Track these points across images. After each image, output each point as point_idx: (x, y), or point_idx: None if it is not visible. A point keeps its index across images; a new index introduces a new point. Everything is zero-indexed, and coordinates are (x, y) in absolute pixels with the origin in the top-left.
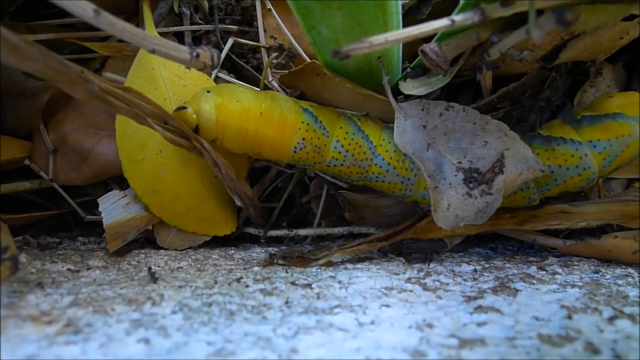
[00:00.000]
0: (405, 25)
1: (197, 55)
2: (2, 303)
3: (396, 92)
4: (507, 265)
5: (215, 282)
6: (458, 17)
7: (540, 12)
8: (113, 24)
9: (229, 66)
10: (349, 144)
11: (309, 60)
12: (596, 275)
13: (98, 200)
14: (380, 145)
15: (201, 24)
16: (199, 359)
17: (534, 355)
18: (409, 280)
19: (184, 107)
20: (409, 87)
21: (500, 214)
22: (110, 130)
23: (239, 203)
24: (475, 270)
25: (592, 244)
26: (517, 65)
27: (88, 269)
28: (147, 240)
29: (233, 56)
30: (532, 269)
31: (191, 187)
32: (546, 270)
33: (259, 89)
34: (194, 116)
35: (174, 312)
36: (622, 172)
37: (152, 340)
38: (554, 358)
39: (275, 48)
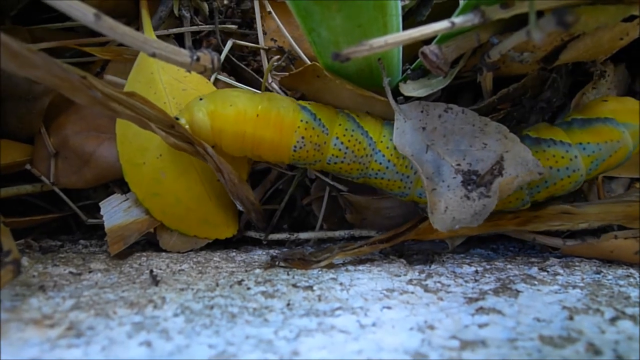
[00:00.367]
0: (405, 27)
1: (198, 59)
2: (5, 306)
3: (396, 93)
4: (509, 266)
5: (217, 285)
6: (458, 20)
7: (540, 14)
8: (113, 28)
9: (229, 69)
10: (349, 141)
11: (309, 62)
12: (597, 276)
13: (100, 204)
14: (381, 142)
15: (201, 25)
16: None
17: (535, 357)
18: (410, 281)
19: (177, 119)
20: (409, 89)
21: (502, 214)
22: (112, 133)
23: (241, 208)
24: (476, 271)
25: (593, 245)
26: (518, 66)
27: (90, 272)
28: (148, 242)
29: (233, 59)
30: (534, 270)
31: (192, 191)
32: (547, 271)
33: (255, 91)
34: (187, 127)
35: (175, 315)
36: (622, 171)
37: (154, 343)
38: (555, 359)
39: (275, 50)
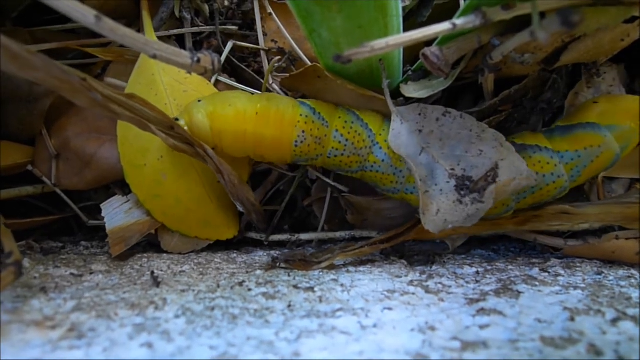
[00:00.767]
0: (405, 28)
1: (198, 60)
2: (6, 308)
3: (397, 94)
4: (510, 267)
5: (218, 286)
6: (460, 21)
7: (541, 15)
8: (114, 29)
9: (230, 70)
10: (349, 133)
11: (310, 63)
12: (599, 276)
13: (101, 205)
14: (380, 135)
15: (202, 26)
16: None
17: (536, 357)
18: (411, 282)
19: (177, 119)
20: (410, 90)
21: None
22: (113, 135)
23: (241, 209)
24: (477, 272)
25: (595, 246)
26: (519, 67)
27: (91, 273)
28: (149, 244)
29: (234, 60)
30: (535, 271)
31: (192, 192)
32: (549, 272)
33: (254, 92)
34: (186, 128)
35: (176, 317)
36: (623, 172)
37: (155, 344)
38: None
39: (276, 51)
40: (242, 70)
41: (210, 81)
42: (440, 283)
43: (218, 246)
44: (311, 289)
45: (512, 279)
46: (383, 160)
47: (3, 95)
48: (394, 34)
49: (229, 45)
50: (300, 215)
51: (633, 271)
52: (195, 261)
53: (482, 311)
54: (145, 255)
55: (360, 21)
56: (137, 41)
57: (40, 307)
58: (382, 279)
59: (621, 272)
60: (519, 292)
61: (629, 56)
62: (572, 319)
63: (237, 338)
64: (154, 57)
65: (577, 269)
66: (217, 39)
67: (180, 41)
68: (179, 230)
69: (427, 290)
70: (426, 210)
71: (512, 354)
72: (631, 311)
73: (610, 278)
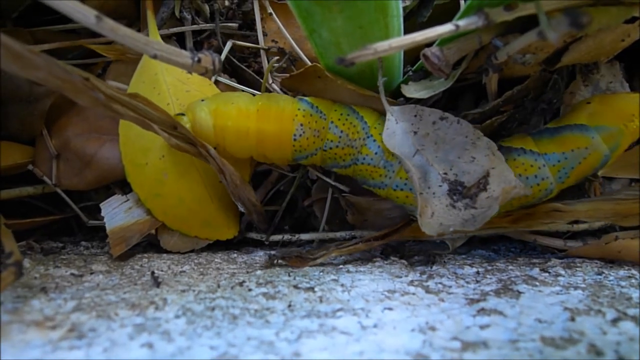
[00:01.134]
0: (406, 28)
1: (199, 60)
2: (6, 308)
3: (398, 94)
4: (510, 267)
5: (218, 286)
6: (462, 22)
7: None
8: (115, 29)
9: (231, 71)
10: (344, 124)
11: (310, 63)
12: (599, 276)
13: (100, 205)
14: (375, 128)
15: (202, 25)
16: None
17: (536, 358)
18: (411, 283)
19: (181, 114)
20: (410, 90)
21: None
22: (113, 135)
23: (242, 209)
24: (477, 272)
25: (601, 246)
26: (519, 68)
27: (91, 273)
28: (149, 244)
29: (234, 60)
30: (535, 271)
31: (194, 192)
32: (549, 272)
33: (255, 93)
34: (188, 125)
35: (177, 317)
36: (622, 172)
37: (156, 344)
38: None
39: (276, 51)
40: (243, 71)
41: (211, 81)
42: (440, 283)
43: (218, 246)
44: (311, 289)
45: (513, 279)
46: (376, 153)
47: (3, 96)
48: (395, 35)
49: (229, 44)
50: (300, 215)
51: (633, 271)
52: (196, 261)
53: (482, 311)
54: (146, 255)
55: (361, 21)
56: (137, 41)
57: (40, 307)
58: (382, 279)
59: (622, 272)
60: (519, 292)
61: (630, 56)
62: (573, 319)
63: (237, 338)
64: (155, 57)
65: (578, 269)
66: (217, 39)
67: (180, 42)
68: (180, 229)
69: (428, 290)
70: (422, 213)
71: (513, 354)
72: (631, 311)
73: (611, 278)
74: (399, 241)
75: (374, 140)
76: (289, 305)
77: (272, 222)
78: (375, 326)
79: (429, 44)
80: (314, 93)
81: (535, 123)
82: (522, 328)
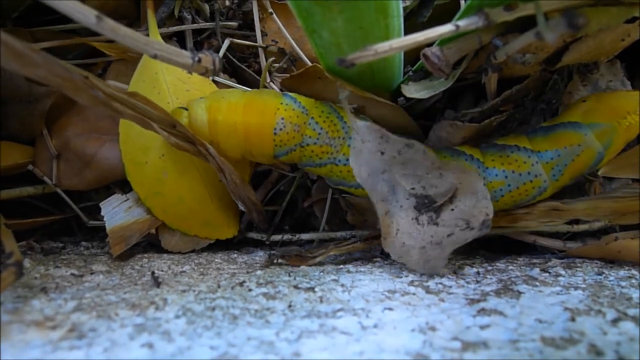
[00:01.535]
0: (406, 28)
1: (199, 60)
2: (6, 308)
3: (398, 95)
4: (510, 267)
5: (219, 286)
6: (462, 22)
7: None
8: (115, 29)
9: (231, 71)
10: (324, 122)
11: (310, 63)
12: (599, 277)
13: (100, 204)
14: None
15: (202, 23)
16: None
17: (536, 358)
18: (411, 283)
19: (184, 108)
20: (411, 90)
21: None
22: (113, 134)
23: (242, 208)
24: (478, 272)
25: (601, 246)
26: (520, 68)
27: (91, 273)
28: (150, 244)
29: (234, 60)
30: (535, 271)
31: (193, 191)
32: (549, 272)
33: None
34: (185, 119)
35: (177, 317)
36: (622, 171)
37: (156, 344)
38: None
39: (276, 51)
40: (243, 71)
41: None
42: (440, 283)
43: (218, 246)
44: (312, 289)
45: (513, 279)
46: None
47: (3, 96)
48: (395, 35)
49: (226, 42)
50: (300, 215)
51: (634, 271)
52: (196, 261)
53: (482, 311)
54: (146, 255)
55: (361, 22)
56: (138, 41)
57: (40, 308)
58: (382, 279)
59: (622, 273)
60: (520, 293)
61: (631, 56)
62: (573, 319)
63: (237, 338)
64: (155, 57)
65: (578, 269)
66: (217, 39)
67: (180, 42)
68: (179, 228)
69: (428, 291)
70: (387, 234)
71: (513, 354)
72: (632, 311)
73: (611, 278)
74: None
75: None
76: (289, 306)
77: (272, 222)
78: (375, 326)
79: (429, 44)
80: (314, 94)
81: (535, 123)
82: (522, 328)
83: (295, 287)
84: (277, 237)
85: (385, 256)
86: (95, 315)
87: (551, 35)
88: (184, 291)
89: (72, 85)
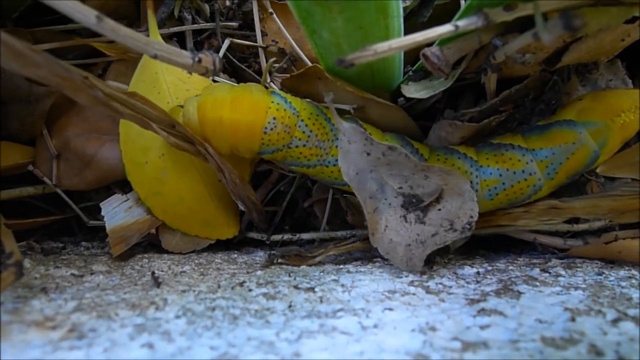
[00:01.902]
0: (406, 28)
1: (199, 60)
2: (7, 308)
3: (398, 95)
4: (510, 267)
5: (219, 286)
6: (462, 23)
7: (543, 16)
8: (115, 29)
9: (231, 71)
10: (313, 124)
11: (310, 64)
12: (599, 277)
13: (100, 204)
14: None
15: (202, 23)
16: None
17: (537, 358)
18: (411, 283)
19: (182, 107)
20: (411, 90)
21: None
22: (113, 135)
23: (242, 208)
24: (478, 272)
25: (601, 246)
26: (519, 68)
27: (92, 273)
28: (150, 244)
29: (234, 60)
30: (535, 271)
31: (194, 191)
32: (549, 273)
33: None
34: (181, 116)
35: (177, 317)
36: (623, 171)
37: (156, 344)
38: None
39: (276, 51)
40: (243, 71)
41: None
42: (440, 283)
43: (218, 246)
44: (312, 289)
45: (513, 279)
46: None
47: (3, 96)
48: (395, 35)
49: (226, 42)
50: (300, 215)
51: (634, 271)
52: (196, 261)
53: (482, 311)
54: (146, 255)
55: (361, 22)
56: (138, 41)
57: (40, 308)
58: (382, 279)
59: (622, 273)
60: (520, 293)
61: (631, 56)
62: (573, 320)
63: (237, 338)
64: (155, 57)
65: (578, 269)
66: (217, 39)
67: (180, 42)
68: (179, 228)
69: (428, 291)
70: (375, 231)
71: (513, 354)
72: (632, 312)
73: (611, 278)
74: None
75: None
76: (290, 306)
77: (272, 222)
78: (375, 326)
79: (429, 44)
80: (314, 94)
81: (534, 123)
82: (522, 328)
83: (296, 287)
84: (277, 237)
85: None
86: (95, 316)
87: (548, 36)
88: (184, 291)
89: (72, 86)
